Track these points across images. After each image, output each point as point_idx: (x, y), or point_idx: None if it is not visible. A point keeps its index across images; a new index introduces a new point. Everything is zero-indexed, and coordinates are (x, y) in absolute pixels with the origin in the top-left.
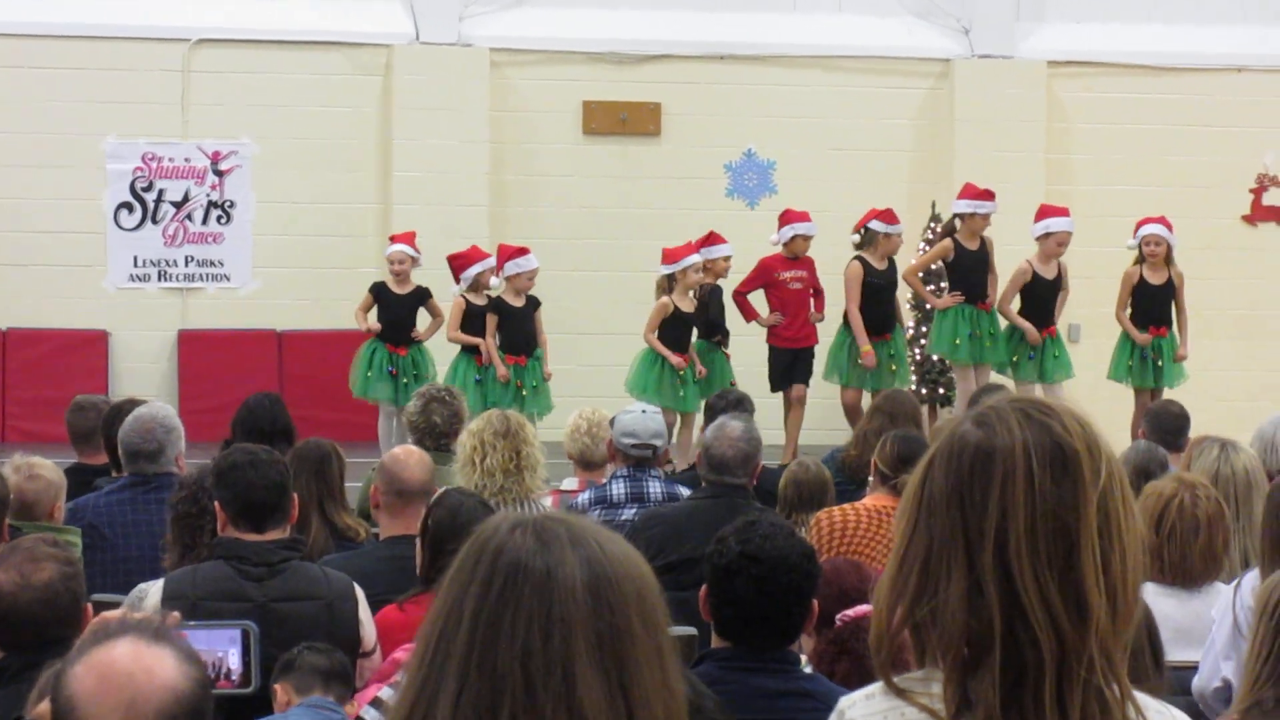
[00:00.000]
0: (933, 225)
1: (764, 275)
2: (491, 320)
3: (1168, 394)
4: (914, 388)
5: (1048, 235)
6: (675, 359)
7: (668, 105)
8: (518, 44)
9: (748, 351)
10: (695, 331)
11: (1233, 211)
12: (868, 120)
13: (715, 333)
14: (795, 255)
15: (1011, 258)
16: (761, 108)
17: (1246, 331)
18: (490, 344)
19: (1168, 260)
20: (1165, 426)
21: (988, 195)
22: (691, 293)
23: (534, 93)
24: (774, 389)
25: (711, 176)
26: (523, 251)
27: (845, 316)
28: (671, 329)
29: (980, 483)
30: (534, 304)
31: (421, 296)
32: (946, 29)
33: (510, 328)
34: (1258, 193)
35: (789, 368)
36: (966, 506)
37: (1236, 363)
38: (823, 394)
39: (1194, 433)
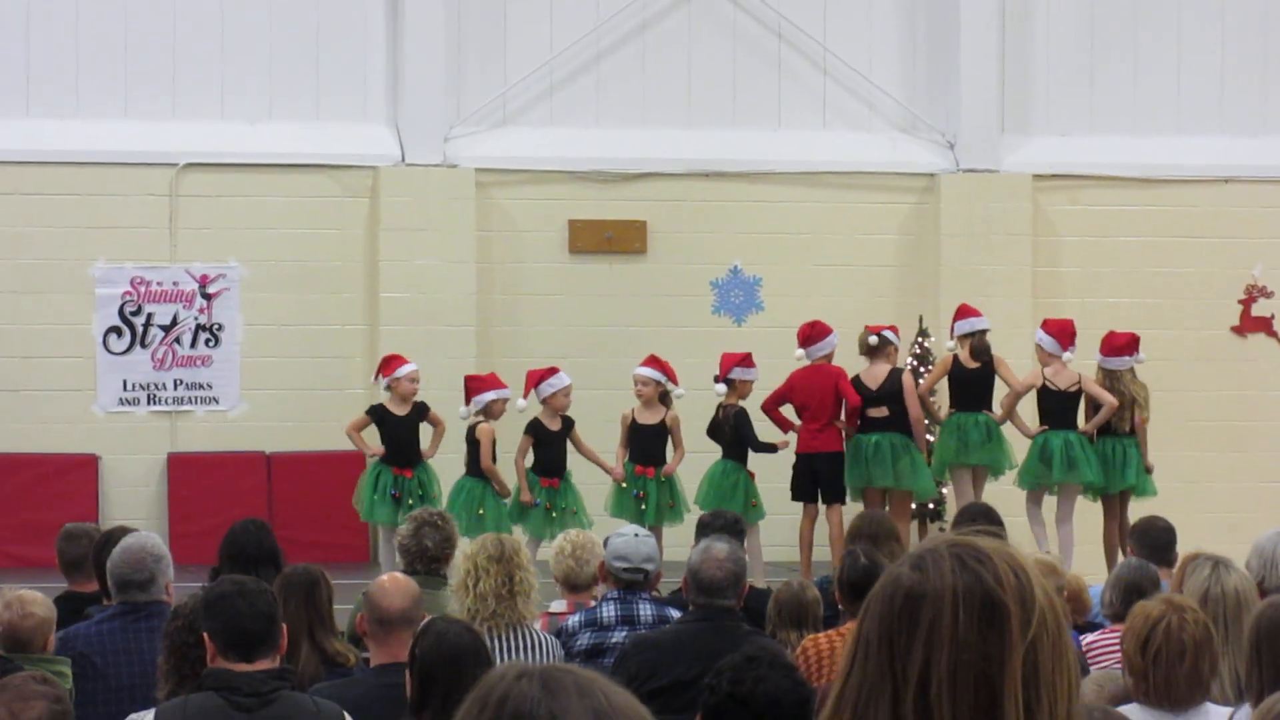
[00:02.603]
0: (920, 340)
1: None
2: (526, 443)
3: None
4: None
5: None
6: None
7: (653, 223)
8: (503, 164)
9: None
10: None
11: (1222, 322)
12: (854, 235)
13: (761, 449)
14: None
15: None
16: (747, 224)
17: (1237, 443)
18: (521, 467)
19: None
20: (1153, 542)
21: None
22: (722, 411)
23: (520, 212)
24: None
25: (698, 294)
26: (552, 371)
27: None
28: (633, 442)
29: (907, 627)
30: (569, 425)
31: (421, 413)
32: (931, 143)
33: (546, 450)
34: (1247, 303)
35: None
36: (895, 649)
37: (1228, 474)
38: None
39: (1184, 546)
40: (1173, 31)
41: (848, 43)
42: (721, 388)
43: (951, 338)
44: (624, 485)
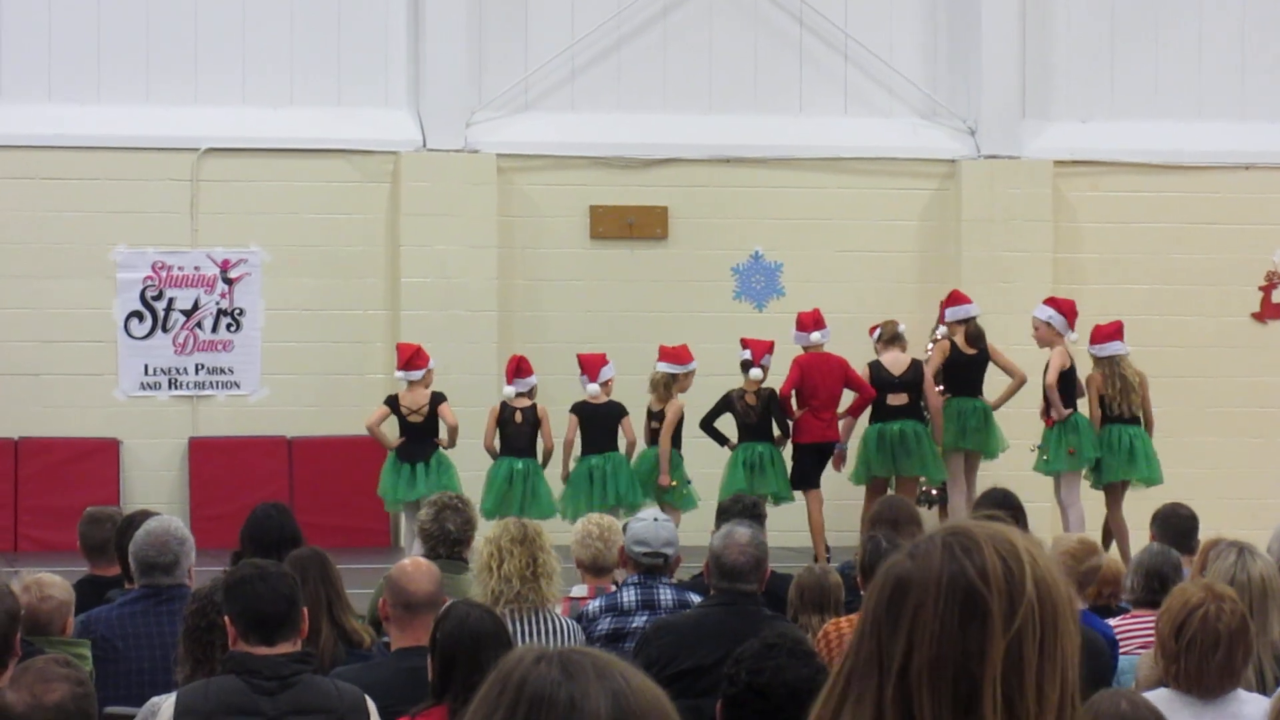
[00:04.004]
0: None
1: None
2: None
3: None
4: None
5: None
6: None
7: (675, 209)
8: (524, 149)
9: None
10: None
11: (1242, 309)
12: (875, 221)
13: (785, 435)
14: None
15: (1021, 357)
16: (768, 210)
17: (1257, 428)
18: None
19: None
20: (1175, 529)
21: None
22: (754, 396)
23: (541, 198)
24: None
25: (719, 279)
26: (603, 358)
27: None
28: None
29: (893, 614)
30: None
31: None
32: (952, 130)
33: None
34: (1267, 290)
35: None
36: (883, 636)
37: (1248, 460)
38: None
39: (1204, 532)
40: (1194, 17)
41: (869, 28)
42: (758, 372)
43: (942, 324)
44: (674, 485)
